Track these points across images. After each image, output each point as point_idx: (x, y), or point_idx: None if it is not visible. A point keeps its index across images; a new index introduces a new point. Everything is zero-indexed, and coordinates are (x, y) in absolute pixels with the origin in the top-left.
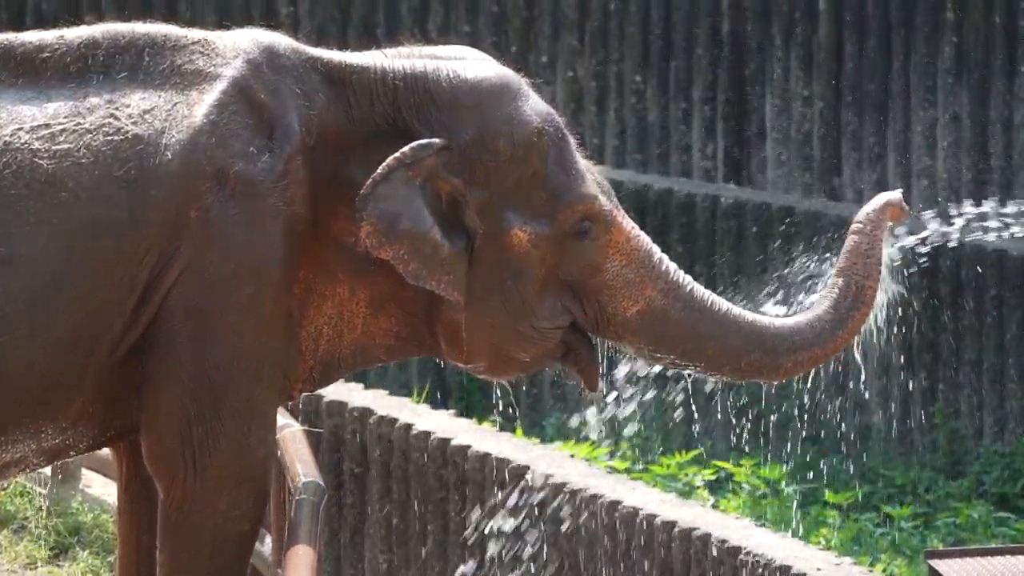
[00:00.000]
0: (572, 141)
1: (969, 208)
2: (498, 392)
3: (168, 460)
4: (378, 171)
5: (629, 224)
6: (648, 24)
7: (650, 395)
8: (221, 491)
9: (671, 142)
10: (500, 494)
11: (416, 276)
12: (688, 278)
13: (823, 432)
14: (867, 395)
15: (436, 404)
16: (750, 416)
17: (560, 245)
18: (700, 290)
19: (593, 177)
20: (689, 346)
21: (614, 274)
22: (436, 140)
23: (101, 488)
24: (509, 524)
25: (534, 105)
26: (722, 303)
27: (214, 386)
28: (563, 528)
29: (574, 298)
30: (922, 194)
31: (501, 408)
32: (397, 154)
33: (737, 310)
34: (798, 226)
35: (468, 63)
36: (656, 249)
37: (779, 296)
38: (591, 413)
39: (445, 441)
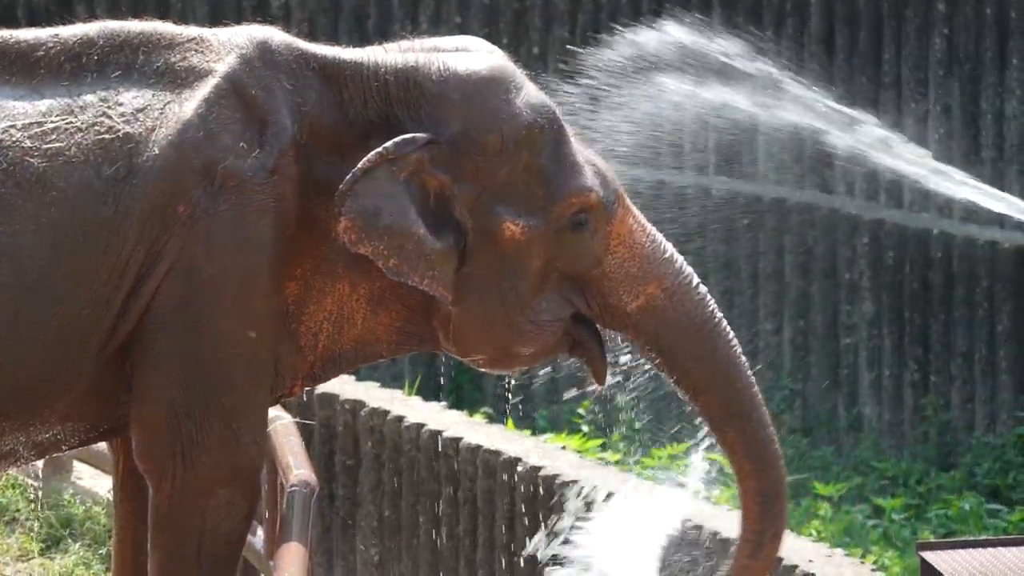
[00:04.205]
0: (569, 133)
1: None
2: (496, 384)
3: (158, 457)
4: (358, 166)
5: (635, 217)
6: (639, 16)
7: (644, 386)
8: (211, 487)
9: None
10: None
11: (397, 272)
12: (703, 289)
13: (814, 424)
14: (859, 386)
15: (428, 396)
16: None
17: (557, 238)
18: (711, 305)
19: (595, 169)
20: (676, 356)
21: (615, 266)
22: (421, 135)
23: (92, 480)
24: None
25: (527, 98)
26: (728, 332)
27: (204, 383)
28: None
29: (577, 291)
30: (913, 187)
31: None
32: (379, 149)
33: (739, 351)
34: (789, 218)
35: (459, 56)
36: (668, 247)
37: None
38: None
39: (436, 433)
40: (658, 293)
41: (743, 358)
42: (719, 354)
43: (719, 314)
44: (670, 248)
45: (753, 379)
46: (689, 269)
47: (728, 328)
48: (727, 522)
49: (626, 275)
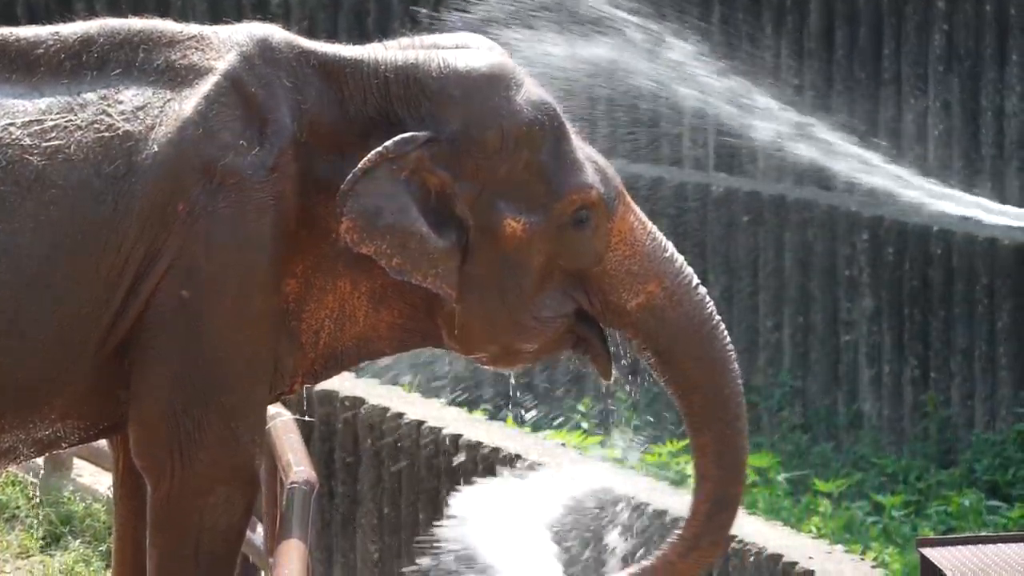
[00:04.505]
0: (570, 131)
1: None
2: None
3: (157, 455)
4: (359, 166)
5: (636, 216)
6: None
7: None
8: (210, 485)
9: (662, 131)
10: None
11: (400, 271)
12: (703, 290)
13: (814, 420)
14: (858, 383)
15: (427, 393)
16: None
17: (558, 235)
18: (710, 307)
19: (596, 166)
20: (672, 355)
21: (616, 264)
22: (421, 133)
23: (92, 477)
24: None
25: (527, 95)
26: (724, 335)
27: (203, 382)
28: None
29: (578, 287)
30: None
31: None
32: (379, 148)
33: (733, 356)
34: (788, 215)
35: (460, 53)
36: (669, 246)
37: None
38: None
39: (436, 430)
40: (658, 292)
41: (736, 364)
42: (714, 356)
43: (717, 316)
44: (670, 247)
45: (741, 386)
46: (689, 270)
47: (725, 331)
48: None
49: (627, 273)
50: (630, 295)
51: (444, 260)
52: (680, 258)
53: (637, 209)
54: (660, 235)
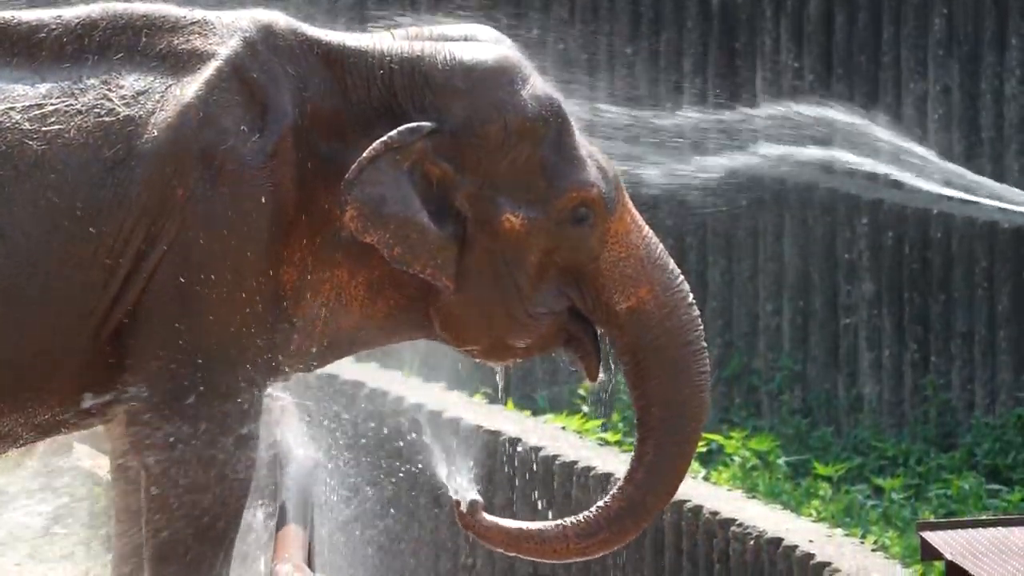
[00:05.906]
0: (573, 127)
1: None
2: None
3: (151, 438)
4: (364, 154)
5: (634, 217)
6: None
7: None
8: (204, 469)
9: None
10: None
11: (401, 261)
12: (695, 310)
13: (814, 404)
14: (859, 367)
15: (427, 377)
16: (741, 387)
17: (557, 231)
18: (697, 328)
19: (598, 165)
20: (649, 366)
21: (611, 264)
22: (425, 124)
23: (92, 461)
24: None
25: (532, 91)
26: (704, 358)
27: (198, 367)
28: (555, 500)
29: (573, 285)
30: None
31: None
32: (384, 138)
33: (707, 380)
34: (789, 199)
35: (466, 46)
36: (664, 252)
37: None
38: None
39: (436, 414)
40: (649, 298)
41: (708, 389)
42: (689, 378)
43: (703, 340)
44: (666, 256)
45: (706, 413)
46: (685, 285)
47: (706, 354)
48: (726, 502)
49: (620, 274)
50: (621, 297)
51: (443, 251)
52: (676, 270)
53: (635, 211)
54: (657, 241)
